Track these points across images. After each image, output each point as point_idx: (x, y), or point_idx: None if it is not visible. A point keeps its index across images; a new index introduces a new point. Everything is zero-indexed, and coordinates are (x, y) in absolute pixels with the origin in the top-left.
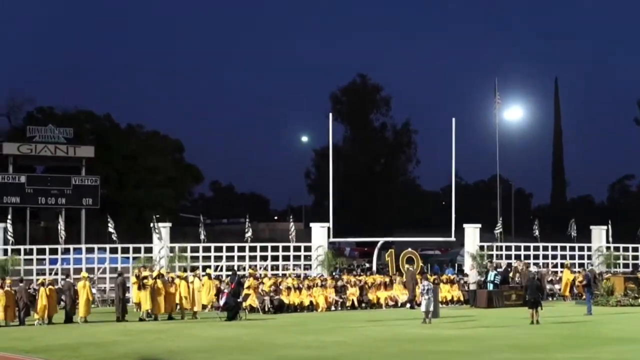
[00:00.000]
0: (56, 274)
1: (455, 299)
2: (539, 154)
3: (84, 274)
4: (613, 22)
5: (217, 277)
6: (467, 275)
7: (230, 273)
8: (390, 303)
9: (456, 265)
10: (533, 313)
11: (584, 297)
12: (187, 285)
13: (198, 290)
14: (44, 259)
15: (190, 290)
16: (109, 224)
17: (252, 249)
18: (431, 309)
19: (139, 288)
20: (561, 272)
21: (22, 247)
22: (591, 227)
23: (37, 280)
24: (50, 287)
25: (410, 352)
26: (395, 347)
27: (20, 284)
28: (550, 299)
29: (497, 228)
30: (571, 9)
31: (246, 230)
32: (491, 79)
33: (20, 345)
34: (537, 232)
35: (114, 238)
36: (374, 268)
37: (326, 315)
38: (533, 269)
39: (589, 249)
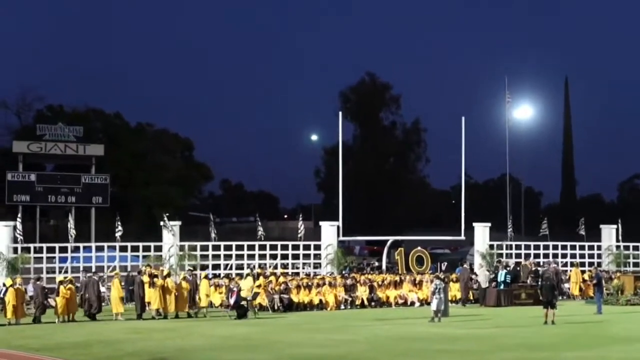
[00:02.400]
0: (66, 272)
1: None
2: (549, 153)
3: (116, 271)
4: (626, 21)
5: (227, 276)
6: (476, 274)
7: (240, 272)
8: (400, 301)
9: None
10: (547, 313)
11: (592, 295)
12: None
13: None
14: (54, 257)
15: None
16: (117, 224)
17: (262, 247)
18: (442, 307)
19: (150, 286)
20: (570, 271)
21: (32, 246)
22: (601, 226)
23: (56, 278)
24: (70, 285)
25: (419, 350)
26: (404, 345)
27: (37, 282)
28: (561, 297)
29: (508, 227)
30: (582, 8)
31: (258, 228)
32: (501, 77)
33: (31, 344)
34: (546, 231)
35: (118, 237)
36: (384, 267)
37: (335, 314)
38: (551, 267)
39: (599, 247)
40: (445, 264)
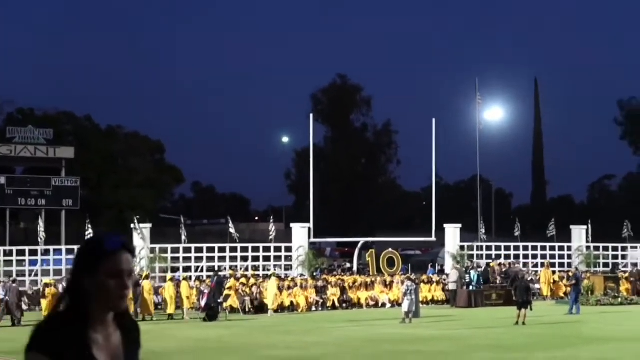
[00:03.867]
0: (36, 275)
1: (436, 298)
2: (519, 154)
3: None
4: (594, 22)
5: (198, 278)
6: (447, 275)
7: (211, 274)
8: (371, 303)
9: (436, 265)
10: (519, 314)
11: (562, 296)
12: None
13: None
14: (24, 260)
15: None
16: (88, 227)
17: (233, 249)
18: (413, 309)
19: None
20: (540, 271)
21: (1, 249)
22: (571, 226)
23: (41, 281)
24: (53, 288)
25: (391, 352)
26: (376, 347)
27: (13, 284)
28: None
29: (480, 229)
30: (551, 9)
31: (230, 230)
32: (472, 79)
33: (3, 347)
34: (518, 232)
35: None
36: (355, 268)
37: (307, 316)
38: (515, 267)
39: (569, 248)
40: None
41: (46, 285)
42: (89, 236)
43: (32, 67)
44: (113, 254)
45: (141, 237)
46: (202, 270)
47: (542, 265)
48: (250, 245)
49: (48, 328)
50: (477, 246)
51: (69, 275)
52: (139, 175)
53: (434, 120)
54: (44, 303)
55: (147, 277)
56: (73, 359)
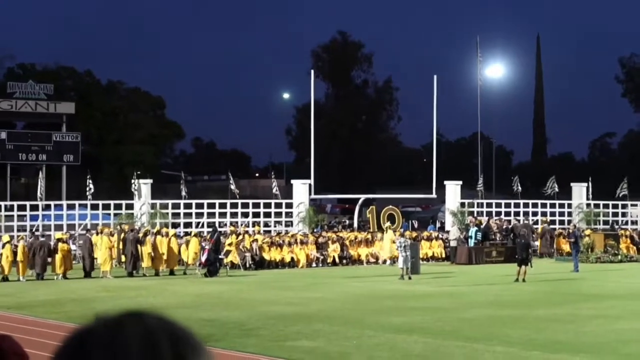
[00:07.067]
0: (37, 230)
1: (436, 255)
2: (520, 112)
3: (105, 228)
4: None
5: (199, 234)
6: (447, 232)
7: (210, 230)
8: (372, 260)
9: (437, 222)
10: (519, 271)
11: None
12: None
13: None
14: (25, 215)
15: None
16: (88, 182)
17: (234, 205)
18: (408, 265)
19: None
20: (539, 228)
21: (2, 204)
22: (571, 184)
23: (54, 235)
24: (63, 244)
25: (392, 308)
26: (376, 303)
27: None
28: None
29: (478, 185)
30: None
31: (230, 186)
32: (473, 36)
33: (2, 302)
34: (518, 189)
35: (89, 196)
36: (355, 225)
37: (307, 272)
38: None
39: (569, 206)
40: (416, 222)
41: (58, 240)
42: (90, 192)
43: (33, 22)
44: None
45: (138, 196)
46: (202, 226)
47: (542, 222)
48: (250, 201)
49: None
50: (477, 203)
51: None
52: (139, 131)
53: (435, 77)
54: (57, 258)
55: (159, 233)
56: None
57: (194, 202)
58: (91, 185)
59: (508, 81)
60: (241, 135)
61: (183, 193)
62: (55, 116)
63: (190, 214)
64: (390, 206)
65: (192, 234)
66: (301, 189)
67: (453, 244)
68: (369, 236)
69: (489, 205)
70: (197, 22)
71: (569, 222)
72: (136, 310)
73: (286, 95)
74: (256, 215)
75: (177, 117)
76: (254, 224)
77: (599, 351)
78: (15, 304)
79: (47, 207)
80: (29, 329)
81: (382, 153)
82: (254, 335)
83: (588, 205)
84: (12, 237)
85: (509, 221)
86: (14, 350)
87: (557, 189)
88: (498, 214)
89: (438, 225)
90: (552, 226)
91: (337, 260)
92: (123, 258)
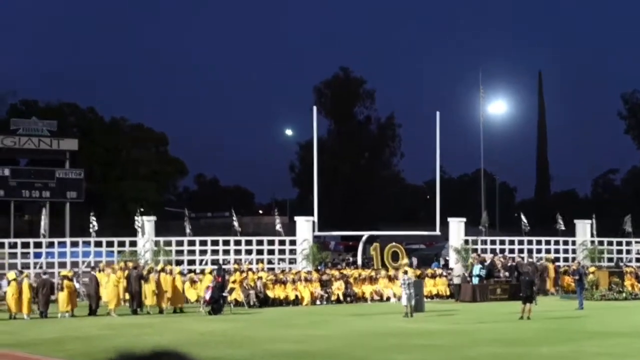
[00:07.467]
0: (40, 267)
1: (440, 293)
2: (523, 148)
3: (113, 265)
4: (598, 17)
5: (202, 271)
6: (451, 269)
7: (215, 267)
8: (376, 297)
9: (440, 259)
10: (524, 308)
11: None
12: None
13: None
14: (28, 253)
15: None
16: (92, 219)
17: (237, 242)
18: (412, 303)
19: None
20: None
21: (6, 241)
22: (575, 221)
23: (59, 272)
24: (69, 281)
25: (396, 345)
26: (380, 341)
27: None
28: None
29: (482, 221)
30: (556, 3)
31: (233, 223)
32: (475, 72)
33: (4, 340)
34: (527, 226)
35: (92, 232)
36: (359, 262)
37: (311, 310)
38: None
39: (574, 243)
40: (416, 260)
41: (64, 277)
42: (93, 228)
43: (35, 59)
44: None
45: (142, 233)
46: (206, 264)
47: (546, 260)
48: (254, 238)
49: None
50: (481, 240)
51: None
52: (142, 168)
53: (437, 113)
54: (62, 297)
55: (162, 270)
56: None
57: (197, 239)
58: (94, 222)
59: (511, 117)
60: (244, 172)
61: (187, 230)
62: (59, 153)
63: (194, 252)
64: (394, 243)
65: (207, 271)
66: (304, 226)
67: (457, 281)
68: (373, 273)
69: (493, 242)
70: (199, 58)
71: (573, 259)
72: (159, 350)
73: (289, 132)
74: (260, 252)
75: (179, 153)
76: (257, 261)
77: None
78: (19, 342)
79: (51, 244)
80: None
81: (385, 189)
82: None
83: (592, 242)
84: (19, 274)
85: (513, 258)
86: None
87: (562, 227)
88: (502, 251)
89: (442, 262)
90: (557, 263)
91: (341, 297)
92: (127, 296)
